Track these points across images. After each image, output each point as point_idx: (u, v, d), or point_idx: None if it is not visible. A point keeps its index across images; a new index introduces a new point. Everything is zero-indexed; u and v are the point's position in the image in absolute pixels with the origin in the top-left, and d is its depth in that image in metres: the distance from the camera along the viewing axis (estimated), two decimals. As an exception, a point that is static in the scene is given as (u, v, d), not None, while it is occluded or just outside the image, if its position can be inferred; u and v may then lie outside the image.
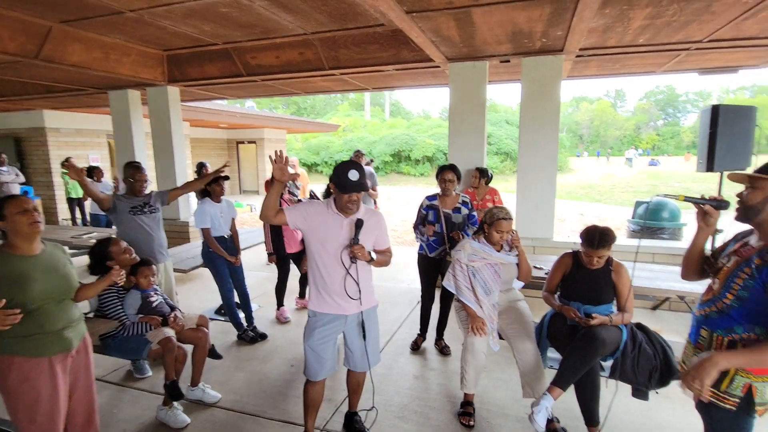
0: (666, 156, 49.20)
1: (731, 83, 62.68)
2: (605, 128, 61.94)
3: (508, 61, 4.54)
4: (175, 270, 4.01)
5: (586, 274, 2.52)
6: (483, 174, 4.61)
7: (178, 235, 6.48)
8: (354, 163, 2.11)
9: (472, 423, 2.61)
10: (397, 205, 14.92)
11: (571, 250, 2.67)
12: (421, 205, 3.49)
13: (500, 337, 2.81)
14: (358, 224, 2.13)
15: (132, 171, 3.37)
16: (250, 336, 3.82)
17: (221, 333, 3.98)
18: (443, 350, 3.62)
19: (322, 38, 4.67)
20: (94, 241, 3.38)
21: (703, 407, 1.61)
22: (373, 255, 2.27)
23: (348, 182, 2.06)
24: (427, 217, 3.42)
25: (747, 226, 1.61)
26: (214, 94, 7.51)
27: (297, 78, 5.56)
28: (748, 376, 1.48)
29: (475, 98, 4.73)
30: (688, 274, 1.82)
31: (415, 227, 3.52)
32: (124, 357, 2.86)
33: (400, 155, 27.09)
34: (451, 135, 4.95)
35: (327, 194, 3.66)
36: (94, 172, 6.54)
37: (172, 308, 2.98)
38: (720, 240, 2.71)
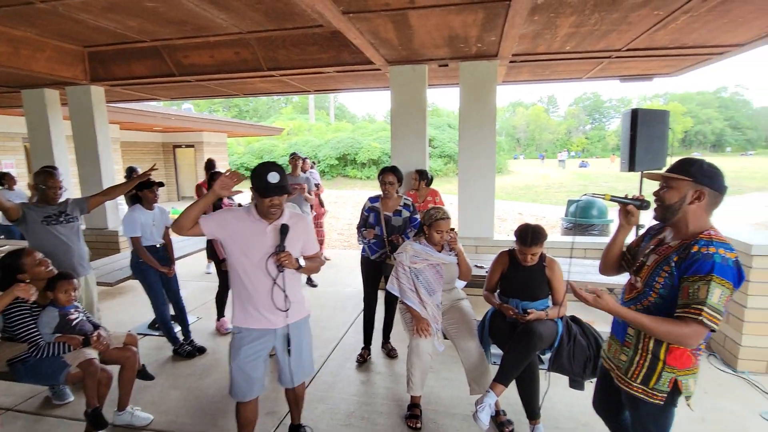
0: (594, 158, 52.96)
1: (648, 91, 68.70)
2: (540, 132, 65.60)
3: (447, 65, 4.64)
4: (99, 283, 3.69)
5: (521, 272, 2.60)
6: (422, 176, 4.67)
7: (106, 245, 5.99)
8: (273, 164, 1.97)
9: (419, 425, 2.60)
10: (344, 208, 14.83)
11: (507, 249, 2.75)
12: (364, 207, 3.46)
13: (444, 337, 2.84)
14: (283, 230, 2.01)
15: (43, 177, 3.05)
16: (186, 350, 3.60)
17: (155, 350, 3.71)
18: (390, 353, 3.60)
19: (259, 38, 4.52)
20: (3, 253, 3.02)
21: (631, 402, 1.67)
22: (302, 262, 2.13)
23: (268, 185, 1.92)
24: (368, 219, 3.40)
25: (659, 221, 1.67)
26: (144, 95, 7.05)
27: (234, 79, 5.35)
28: (673, 371, 1.54)
29: (415, 101, 4.79)
30: (606, 270, 1.89)
31: (358, 229, 3.49)
32: (38, 383, 2.57)
33: (345, 159, 27.02)
34: (393, 138, 4.98)
35: None
36: (4, 178, 5.90)
37: (96, 326, 2.72)
38: (633, 236, 2.89)
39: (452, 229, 2.77)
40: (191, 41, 4.68)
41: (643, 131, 4.08)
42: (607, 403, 1.90)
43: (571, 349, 2.46)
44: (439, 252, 2.78)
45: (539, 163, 43.88)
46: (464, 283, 3.00)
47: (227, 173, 1.96)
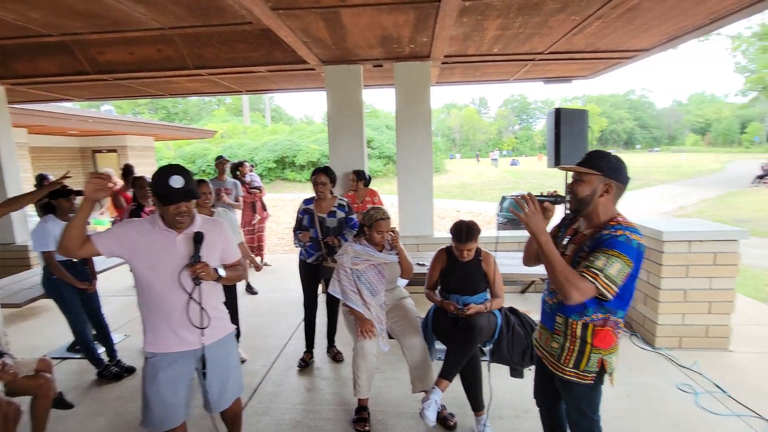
0: (523, 156, 56.19)
1: (568, 93, 74.22)
2: (473, 132, 68.40)
3: (381, 66, 4.66)
4: (4, 305, 3.28)
5: (459, 267, 2.66)
6: (359, 176, 4.66)
7: (14, 261, 5.37)
8: (176, 167, 1.78)
9: (367, 428, 2.57)
10: (284, 211, 14.48)
11: (445, 246, 2.81)
12: (299, 209, 3.38)
13: (390, 337, 2.83)
14: (197, 238, 1.81)
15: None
16: (113, 372, 3.30)
17: (77, 373, 3.38)
18: (336, 357, 3.55)
19: (184, 34, 4.25)
20: None
21: (565, 386, 1.76)
22: (221, 272, 1.88)
23: (170, 190, 1.73)
24: (302, 222, 3.33)
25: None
26: (55, 95, 6.39)
27: (158, 78, 5.00)
28: (600, 351, 1.65)
29: (352, 102, 4.76)
30: (529, 260, 1.99)
31: (294, 232, 3.39)
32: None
33: (284, 161, 26.42)
34: (331, 139, 4.92)
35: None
36: None
37: (0, 354, 2.41)
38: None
39: (393, 229, 2.77)
40: (107, 36, 4.29)
41: (566, 129, 4.36)
42: (545, 390, 1.98)
43: (510, 340, 2.55)
44: (380, 252, 2.77)
45: (474, 162, 45.77)
46: (406, 281, 3.02)
47: (93, 174, 1.70)
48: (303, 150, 26.30)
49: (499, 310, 2.66)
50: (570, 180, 1.71)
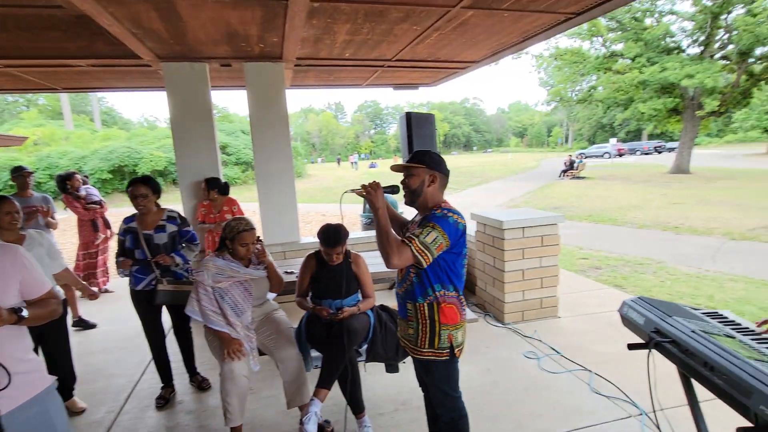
0: (380, 159, 59.22)
1: (415, 99, 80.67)
2: (332, 137, 69.54)
3: (230, 66, 4.34)
4: None
5: (330, 271, 2.62)
6: (212, 185, 4.29)
7: None
8: None
9: (242, 458, 2.35)
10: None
11: (313, 251, 2.74)
12: (119, 231, 2.88)
13: (261, 353, 2.64)
14: None
15: None
16: None
17: None
18: (201, 385, 3.18)
19: (-40, 15, 3.33)
20: None
21: (426, 368, 1.91)
22: (24, 312, 1.45)
23: None
24: (125, 244, 2.85)
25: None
26: None
27: None
28: (447, 327, 1.83)
29: (199, 103, 4.34)
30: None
31: (117, 258, 2.87)
32: None
33: (122, 171, 22.99)
34: (177, 145, 4.41)
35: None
36: None
37: None
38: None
39: (259, 240, 2.58)
40: None
41: (417, 132, 4.67)
42: (422, 383, 2.09)
43: (383, 337, 2.59)
44: (247, 267, 2.56)
45: (335, 165, 46.56)
46: (275, 294, 2.85)
47: None
48: (145, 158, 23.27)
49: (371, 309, 2.69)
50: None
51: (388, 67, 5.08)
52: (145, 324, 2.98)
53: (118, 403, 3.02)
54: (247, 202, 13.45)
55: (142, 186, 2.79)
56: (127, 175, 23.17)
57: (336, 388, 2.45)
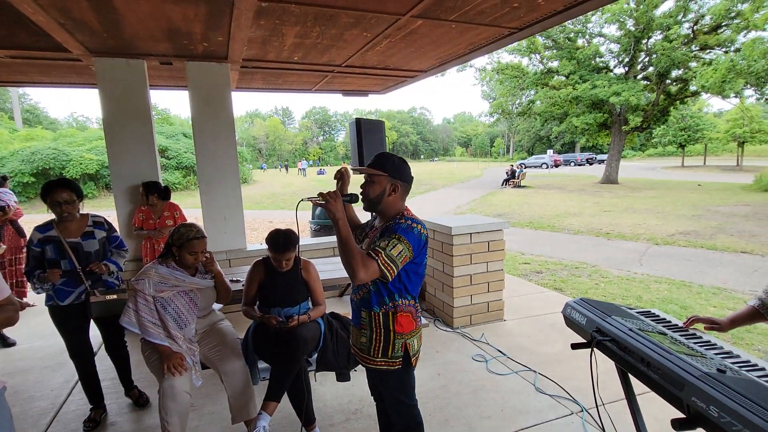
0: (329, 165, 58.92)
1: (364, 107, 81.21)
2: (279, 143, 68.20)
3: (171, 64, 4.11)
4: None
5: (279, 278, 2.52)
6: (151, 189, 4.03)
7: None
8: None
9: (182, 482, 2.18)
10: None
11: (261, 258, 2.63)
12: (30, 242, 2.55)
13: (204, 367, 2.48)
14: None
15: None
16: None
17: None
18: (138, 401, 2.94)
19: None
20: None
21: (378, 377, 1.85)
22: None
23: None
24: (44, 256, 2.54)
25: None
26: None
27: None
28: (402, 336, 1.77)
29: (136, 103, 4.06)
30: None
31: (29, 274, 2.54)
32: None
33: (47, 174, 21.10)
34: (110, 147, 4.10)
35: None
36: None
37: None
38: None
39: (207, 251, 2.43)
40: None
41: (367, 138, 4.66)
42: (375, 391, 2.03)
43: (334, 345, 2.53)
44: (193, 275, 2.40)
45: (282, 172, 45.65)
46: (221, 305, 2.70)
47: None
48: (74, 160, 21.52)
49: (322, 317, 2.62)
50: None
51: (338, 72, 5.05)
52: (71, 342, 2.70)
53: (39, 430, 2.72)
54: (190, 208, 12.80)
55: (64, 191, 2.53)
56: (52, 178, 21.32)
57: (285, 400, 2.35)
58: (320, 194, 1.66)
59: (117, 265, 2.72)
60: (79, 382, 2.82)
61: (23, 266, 4.82)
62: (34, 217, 16.07)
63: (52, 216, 2.60)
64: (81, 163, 21.56)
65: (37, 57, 3.84)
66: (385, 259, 1.61)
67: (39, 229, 2.57)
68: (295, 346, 2.29)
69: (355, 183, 1.68)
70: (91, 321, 2.73)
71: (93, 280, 2.63)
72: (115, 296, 2.65)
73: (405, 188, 1.80)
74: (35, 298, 5.22)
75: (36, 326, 4.40)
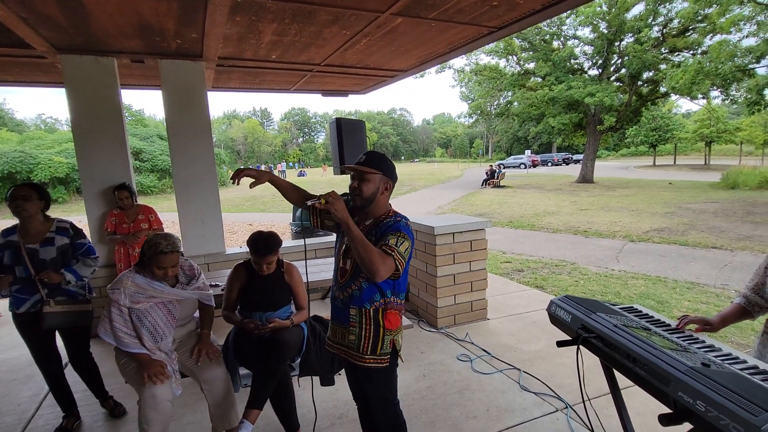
0: (309, 167, 58.52)
1: (344, 107, 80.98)
2: (258, 144, 67.36)
3: (143, 62, 3.97)
4: None
5: (261, 282, 2.45)
6: (119, 187, 3.93)
7: None
8: None
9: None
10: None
11: (242, 261, 2.55)
12: None
13: (182, 375, 2.39)
14: None
15: None
16: None
17: None
18: (114, 412, 2.81)
19: None
20: None
21: (367, 376, 1.83)
22: None
23: None
24: (2, 260, 2.43)
25: None
26: None
27: None
28: (390, 333, 1.80)
29: (106, 102, 3.91)
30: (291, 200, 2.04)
31: None
32: None
33: (13, 178, 20.33)
34: (79, 149, 3.94)
35: None
36: None
37: None
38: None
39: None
40: None
41: (347, 138, 4.61)
42: (353, 387, 1.98)
43: (318, 349, 2.47)
44: (173, 287, 2.28)
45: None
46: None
47: None
48: (43, 164, 20.77)
49: (304, 321, 2.56)
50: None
51: (317, 72, 4.99)
52: (34, 351, 2.58)
53: (7, 444, 2.57)
54: (166, 211, 12.48)
55: (24, 189, 2.46)
56: (19, 183, 20.53)
57: (267, 406, 2.28)
58: (322, 197, 1.66)
59: (76, 275, 2.54)
60: (50, 395, 2.68)
61: None
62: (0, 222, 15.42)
63: (7, 222, 2.48)
64: (50, 167, 20.85)
65: (-1, 54, 3.66)
66: (399, 256, 1.66)
67: (2, 232, 2.46)
68: (278, 352, 2.22)
69: (338, 183, 1.64)
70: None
71: (50, 288, 2.49)
72: (75, 307, 2.53)
73: (393, 186, 1.87)
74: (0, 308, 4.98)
75: (2, 337, 4.19)
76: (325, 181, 29.06)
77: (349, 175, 1.86)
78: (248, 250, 2.40)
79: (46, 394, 3.14)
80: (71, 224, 2.65)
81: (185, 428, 2.65)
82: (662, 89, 21.21)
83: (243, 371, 2.58)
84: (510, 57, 23.74)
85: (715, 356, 1.47)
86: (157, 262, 2.17)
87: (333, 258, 4.27)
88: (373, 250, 1.62)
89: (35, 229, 2.49)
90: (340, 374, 2.72)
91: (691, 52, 19.87)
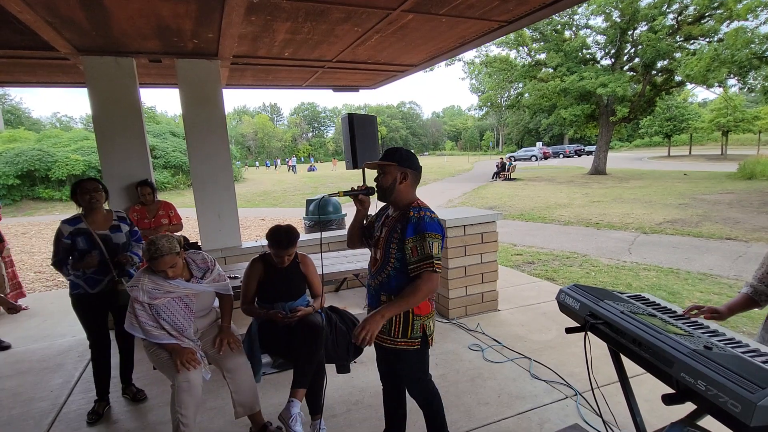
0: (319, 162, 58.71)
1: (354, 102, 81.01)
2: (268, 140, 67.75)
3: (160, 61, 4.09)
4: None
5: (279, 274, 2.55)
6: (141, 183, 4.09)
7: None
8: None
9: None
10: (39, 239, 11.40)
11: (259, 255, 2.66)
12: (60, 234, 2.68)
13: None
14: None
15: None
16: None
17: None
18: (136, 397, 2.97)
19: None
20: None
21: (398, 357, 1.94)
22: None
23: None
24: (76, 247, 2.68)
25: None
26: None
27: None
28: (420, 318, 1.89)
29: (126, 101, 4.04)
30: (352, 244, 2.20)
31: (60, 264, 2.71)
32: None
33: (33, 176, 20.80)
34: (101, 147, 4.07)
35: None
36: None
37: None
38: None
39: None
40: None
41: (360, 133, 4.68)
42: (388, 370, 2.13)
43: (334, 338, 2.57)
44: (187, 281, 2.38)
45: (273, 169, 45.45)
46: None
47: None
48: (60, 161, 21.20)
49: (321, 310, 2.66)
50: (368, 177, 1.94)
51: (329, 68, 5.06)
52: (92, 331, 2.82)
53: (41, 430, 2.72)
54: (180, 207, 12.66)
55: (90, 182, 2.77)
56: (38, 180, 21.01)
57: (284, 392, 2.39)
58: (348, 192, 1.95)
59: (138, 257, 2.87)
60: (80, 382, 2.83)
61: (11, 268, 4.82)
62: (17, 220, 15.85)
63: (28, 219, 2.65)
64: (67, 164, 21.25)
65: (23, 56, 3.80)
66: (437, 262, 1.79)
67: (68, 222, 2.70)
68: (314, 334, 2.36)
69: (348, 177, 1.76)
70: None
71: (121, 270, 2.78)
72: None
73: (414, 176, 1.94)
74: (27, 301, 5.18)
75: (31, 329, 4.38)
76: (336, 175, 29.21)
77: (360, 171, 2.01)
78: (267, 243, 2.50)
79: (76, 382, 3.30)
80: (126, 214, 2.97)
81: (208, 413, 2.77)
82: (677, 78, 20.83)
83: (265, 359, 2.70)
84: (521, 48, 23.51)
85: (718, 340, 1.53)
86: (153, 266, 2.26)
87: (346, 251, 4.38)
88: (418, 292, 1.77)
89: (102, 217, 2.80)
90: (355, 362, 2.82)
91: (707, 39, 19.47)
